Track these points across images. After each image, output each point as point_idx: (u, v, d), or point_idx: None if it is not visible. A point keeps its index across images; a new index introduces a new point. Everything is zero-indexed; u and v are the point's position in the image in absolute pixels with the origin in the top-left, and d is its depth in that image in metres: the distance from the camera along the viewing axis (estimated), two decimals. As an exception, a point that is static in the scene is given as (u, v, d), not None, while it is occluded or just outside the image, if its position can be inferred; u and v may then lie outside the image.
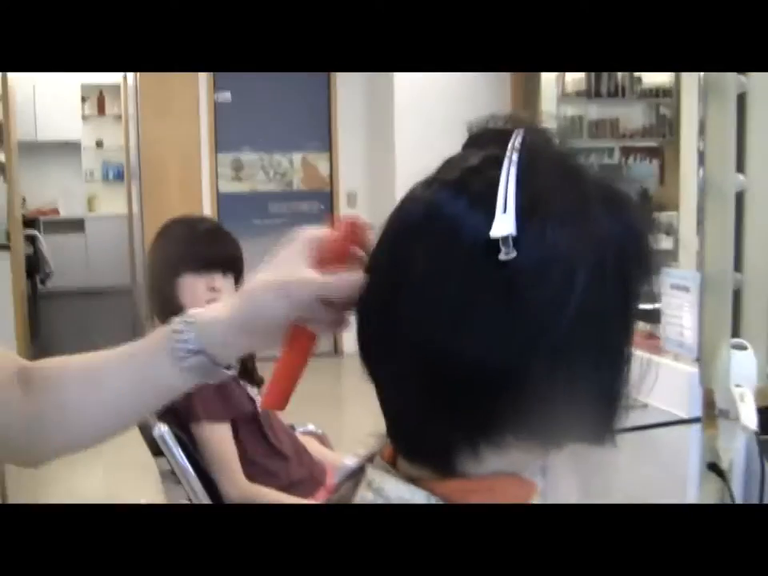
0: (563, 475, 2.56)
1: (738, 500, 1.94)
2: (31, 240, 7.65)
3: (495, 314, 0.60)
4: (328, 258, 0.76)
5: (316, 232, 0.77)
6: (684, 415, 2.02)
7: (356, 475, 0.72)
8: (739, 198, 1.96)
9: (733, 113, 1.91)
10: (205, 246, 2.06)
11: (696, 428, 1.99)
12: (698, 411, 2.00)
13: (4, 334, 5.82)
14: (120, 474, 3.73)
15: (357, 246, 0.76)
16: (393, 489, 0.66)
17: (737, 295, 1.99)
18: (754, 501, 1.90)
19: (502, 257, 0.59)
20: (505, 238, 0.59)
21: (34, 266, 7.61)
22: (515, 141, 0.64)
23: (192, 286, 2.02)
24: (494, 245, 0.60)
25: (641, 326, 2.28)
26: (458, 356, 0.61)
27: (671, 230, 4.70)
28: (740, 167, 1.94)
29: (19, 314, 6.27)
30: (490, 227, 0.60)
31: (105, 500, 4.11)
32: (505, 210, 0.60)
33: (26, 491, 4.05)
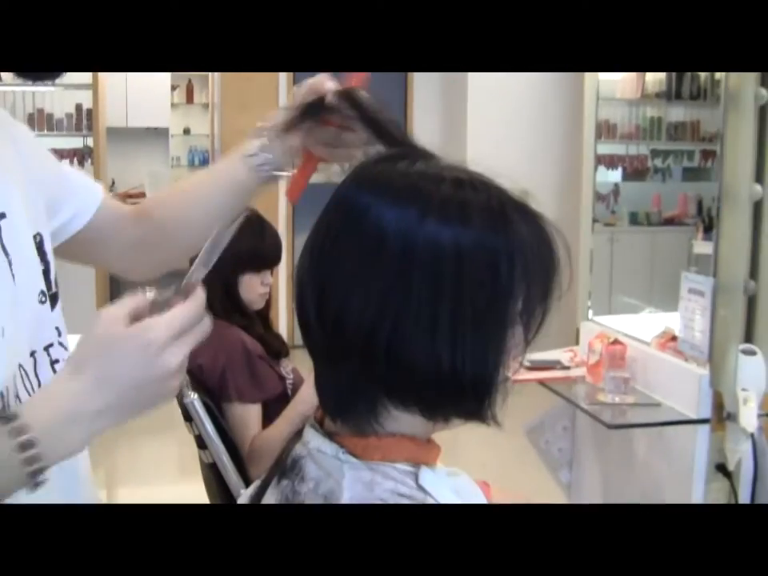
0: (588, 469, 2.64)
1: (744, 501, 1.99)
2: (117, 222, 7.93)
3: (377, 286, 0.71)
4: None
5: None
6: (694, 416, 2.07)
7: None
8: (757, 208, 2.00)
9: (751, 123, 1.96)
10: (272, 249, 2.19)
11: (704, 429, 2.05)
12: (707, 413, 2.05)
13: (85, 313, 6.10)
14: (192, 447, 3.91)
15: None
16: (313, 441, 0.79)
17: (752, 302, 2.04)
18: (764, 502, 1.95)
19: None
20: None
21: (119, 248, 7.90)
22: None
23: (251, 282, 2.17)
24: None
25: (666, 329, 2.34)
26: (350, 323, 0.72)
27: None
28: (759, 177, 1.99)
29: (101, 293, 6.57)
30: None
31: (176, 472, 4.29)
32: None
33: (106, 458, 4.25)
